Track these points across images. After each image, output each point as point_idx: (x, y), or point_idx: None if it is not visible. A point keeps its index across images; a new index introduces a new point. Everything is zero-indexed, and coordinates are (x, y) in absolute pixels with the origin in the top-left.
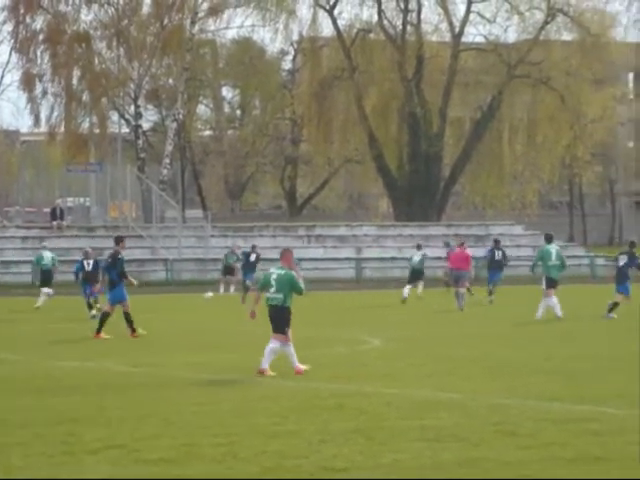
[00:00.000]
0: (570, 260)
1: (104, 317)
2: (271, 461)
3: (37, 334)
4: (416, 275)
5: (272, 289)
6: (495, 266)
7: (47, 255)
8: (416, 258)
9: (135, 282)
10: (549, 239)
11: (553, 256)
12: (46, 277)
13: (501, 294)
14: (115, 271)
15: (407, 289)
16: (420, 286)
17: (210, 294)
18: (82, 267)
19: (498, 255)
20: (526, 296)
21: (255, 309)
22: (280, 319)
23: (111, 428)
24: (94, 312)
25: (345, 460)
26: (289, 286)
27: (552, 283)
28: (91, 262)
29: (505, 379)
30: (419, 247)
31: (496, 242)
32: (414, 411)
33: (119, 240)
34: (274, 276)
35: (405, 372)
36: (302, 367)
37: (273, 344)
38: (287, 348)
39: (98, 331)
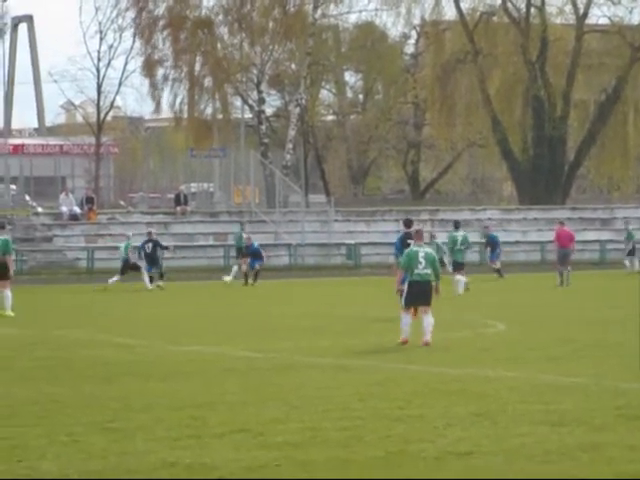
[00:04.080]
0: None
1: None
2: (396, 445)
3: (155, 319)
4: None
5: (421, 265)
6: None
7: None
8: None
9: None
10: (457, 226)
11: (458, 242)
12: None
13: (621, 279)
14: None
15: None
16: None
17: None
18: (143, 248)
19: None
20: None
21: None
22: (430, 293)
23: (234, 412)
24: (160, 283)
25: (470, 444)
26: (435, 264)
27: (457, 266)
28: (150, 245)
29: (627, 363)
30: None
31: None
32: (537, 395)
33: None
34: (421, 254)
35: (527, 356)
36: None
37: (429, 317)
38: (428, 319)
39: None
